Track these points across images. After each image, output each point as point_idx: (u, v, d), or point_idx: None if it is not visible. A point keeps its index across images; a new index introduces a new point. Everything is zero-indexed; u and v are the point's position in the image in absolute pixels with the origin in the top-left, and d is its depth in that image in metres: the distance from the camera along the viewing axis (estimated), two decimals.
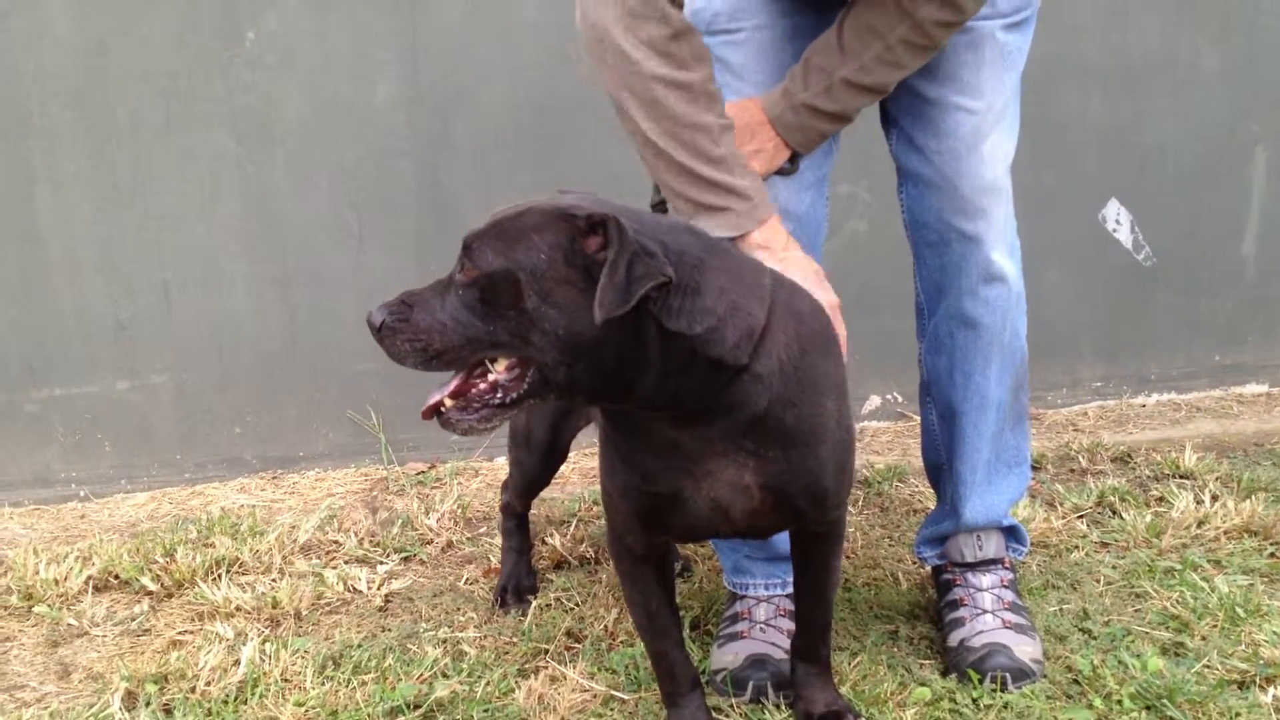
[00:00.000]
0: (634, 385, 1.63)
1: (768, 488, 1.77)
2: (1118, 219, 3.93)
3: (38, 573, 2.79)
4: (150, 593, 2.74)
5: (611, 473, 1.86)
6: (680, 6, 1.95)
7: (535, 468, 2.59)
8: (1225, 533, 2.76)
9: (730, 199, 1.99)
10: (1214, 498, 2.94)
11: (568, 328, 1.57)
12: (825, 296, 1.92)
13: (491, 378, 1.66)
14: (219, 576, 2.77)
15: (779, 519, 1.85)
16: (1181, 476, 3.21)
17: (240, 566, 2.84)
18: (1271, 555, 2.65)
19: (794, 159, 2.14)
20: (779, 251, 1.97)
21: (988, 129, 2.18)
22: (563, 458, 2.62)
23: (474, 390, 1.67)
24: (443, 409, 1.68)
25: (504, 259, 1.58)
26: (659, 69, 1.93)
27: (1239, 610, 2.34)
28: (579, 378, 1.61)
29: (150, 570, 2.80)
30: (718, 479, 1.76)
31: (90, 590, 2.77)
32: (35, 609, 2.68)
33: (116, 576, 2.81)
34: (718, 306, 1.62)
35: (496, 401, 1.66)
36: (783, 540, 2.26)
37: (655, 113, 1.96)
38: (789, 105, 2.07)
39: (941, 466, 2.43)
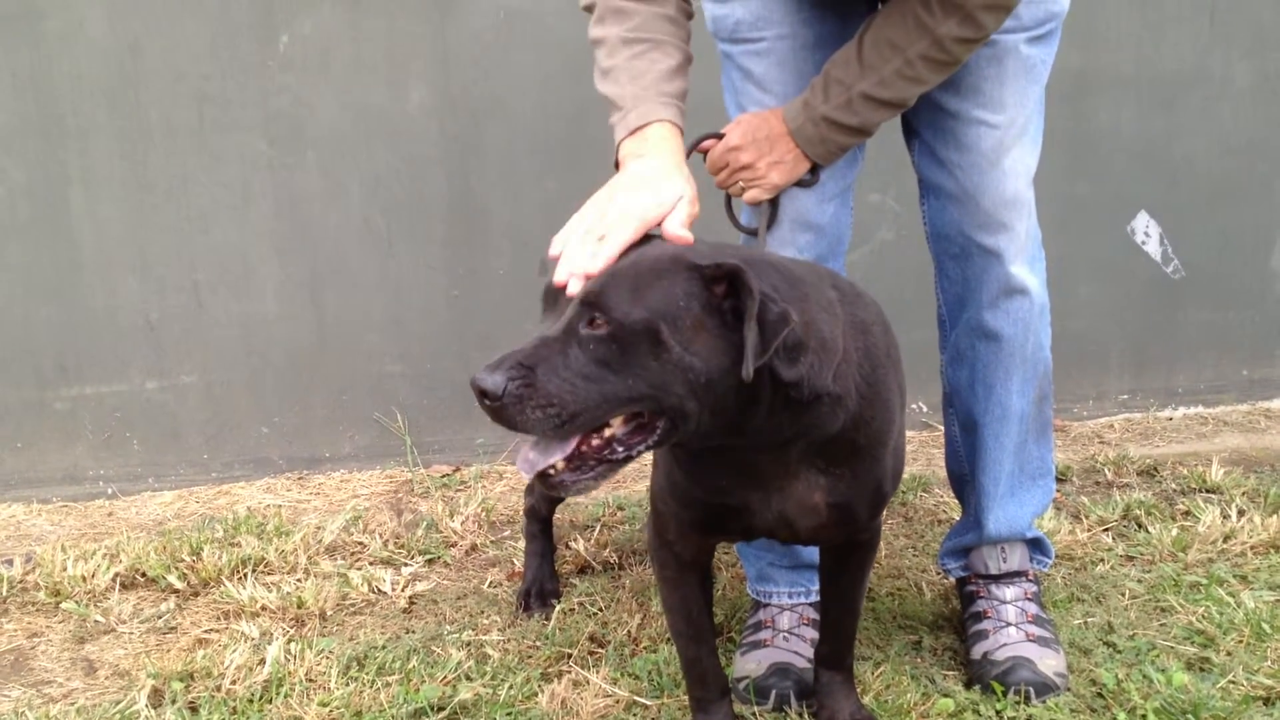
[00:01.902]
0: (746, 424, 1.59)
1: (834, 505, 1.77)
2: (1147, 231, 3.91)
3: (65, 569, 2.82)
4: (176, 591, 2.77)
5: (672, 484, 1.83)
6: None
7: None
8: (1252, 548, 2.74)
9: (614, 112, 1.97)
10: (1240, 512, 2.91)
11: (708, 375, 1.51)
12: (682, 187, 1.86)
13: (608, 433, 1.56)
14: (245, 576, 2.79)
15: (838, 531, 1.84)
16: (1208, 491, 3.18)
17: (266, 566, 2.86)
18: None
19: (815, 170, 2.12)
20: (648, 158, 1.88)
21: (1010, 143, 2.17)
22: None
23: (587, 448, 1.56)
24: (552, 472, 1.56)
25: (642, 309, 1.49)
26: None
27: (1265, 626, 2.32)
28: (706, 424, 1.56)
29: (177, 568, 2.83)
30: (788, 496, 1.76)
31: (117, 587, 2.79)
32: (63, 605, 2.71)
33: (143, 574, 2.84)
34: (809, 339, 1.59)
35: (616, 457, 1.57)
36: (808, 549, 2.26)
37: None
38: (809, 118, 2.05)
39: (965, 478, 2.42)
